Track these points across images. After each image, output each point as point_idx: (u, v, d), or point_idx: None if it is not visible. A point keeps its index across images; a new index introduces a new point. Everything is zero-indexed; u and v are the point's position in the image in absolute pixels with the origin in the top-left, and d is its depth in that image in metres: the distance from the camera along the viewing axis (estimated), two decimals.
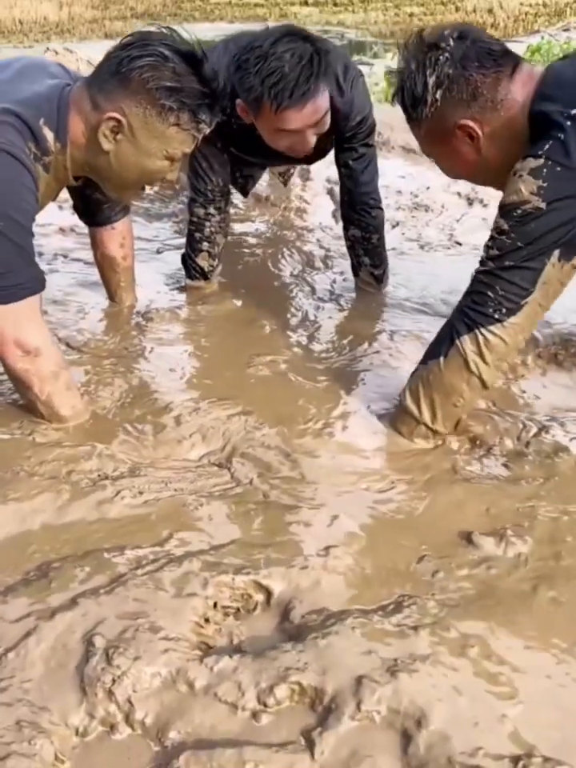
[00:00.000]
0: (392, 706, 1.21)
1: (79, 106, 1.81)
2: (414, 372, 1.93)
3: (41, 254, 2.87)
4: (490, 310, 1.75)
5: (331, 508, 1.67)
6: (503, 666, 1.29)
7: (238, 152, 2.58)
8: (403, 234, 3.19)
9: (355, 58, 7.58)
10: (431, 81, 1.71)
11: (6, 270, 1.75)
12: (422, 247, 3.07)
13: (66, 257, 2.87)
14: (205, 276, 2.68)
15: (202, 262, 2.65)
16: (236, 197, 3.48)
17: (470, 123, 1.73)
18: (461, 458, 1.88)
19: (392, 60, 6.74)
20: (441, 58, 1.70)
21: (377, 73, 5.86)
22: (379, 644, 1.32)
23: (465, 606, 1.42)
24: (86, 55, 5.83)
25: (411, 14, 10.97)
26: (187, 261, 2.69)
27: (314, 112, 2.20)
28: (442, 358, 1.83)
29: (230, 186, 2.67)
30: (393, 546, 1.59)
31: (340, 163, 2.60)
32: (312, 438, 1.92)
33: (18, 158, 1.73)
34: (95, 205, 2.30)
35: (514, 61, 1.74)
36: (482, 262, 1.78)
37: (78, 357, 2.24)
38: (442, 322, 2.42)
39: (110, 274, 2.49)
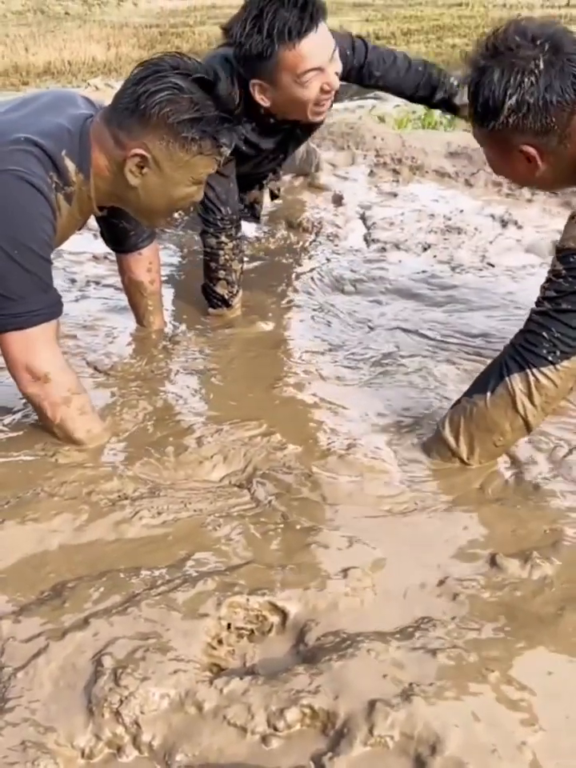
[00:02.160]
0: (406, 730, 1.17)
1: (101, 141, 1.84)
2: (456, 403, 1.89)
3: (74, 281, 2.91)
4: (544, 352, 1.72)
5: (351, 530, 1.64)
6: (524, 692, 1.24)
7: (246, 170, 2.64)
8: (435, 256, 3.16)
9: None
10: (510, 102, 1.65)
11: (20, 297, 1.77)
12: (453, 269, 3.03)
13: (98, 283, 2.90)
14: (226, 303, 2.69)
15: (221, 290, 2.66)
16: (265, 225, 3.51)
17: (533, 151, 1.70)
18: (489, 478, 1.84)
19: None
20: (526, 81, 1.63)
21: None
22: (395, 667, 1.28)
23: (486, 629, 1.38)
24: None
25: (453, 46, 10.99)
26: (207, 290, 2.70)
27: (326, 39, 2.31)
28: (488, 394, 1.79)
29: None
30: (413, 568, 1.55)
31: (371, 84, 2.76)
32: (334, 460, 1.88)
33: (36, 187, 1.75)
34: (122, 233, 2.33)
35: None
36: (538, 303, 1.75)
37: (105, 379, 2.25)
38: (472, 346, 2.43)
39: (137, 299, 2.50)
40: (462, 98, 2.66)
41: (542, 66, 1.64)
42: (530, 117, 1.66)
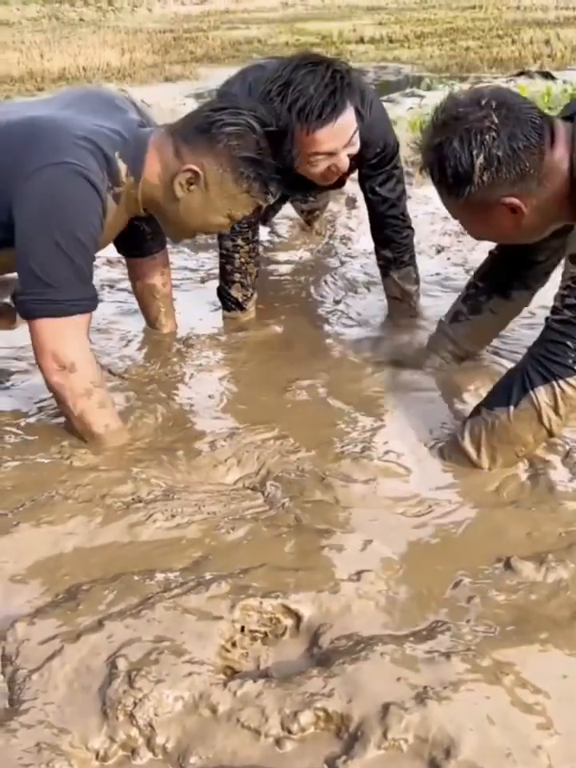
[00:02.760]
0: (420, 734, 1.16)
1: (161, 149, 1.92)
2: (474, 414, 1.88)
3: None
4: (570, 361, 1.70)
5: (365, 532, 1.64)
6: (539, 695, 1.24)
7: None
8: (448, 259, 3.16)
9: (409, 90, 7.60)
10: (479, 162, 1.63)
11: (61, 285, 1.81)
12: (467, 272, 3.02)
13: (112, 287, 2.92)
14: (240, 306, 2.69)
15: (236, 293, 2.67)
16: (279, 228, 3.51)
17: (516, 201, 1.67)
18: (504, 481, 1.83)
19: (443, 88, 6.77)
20: (487, 137, 1.63)
21: (428, 104, 5.86)
22: (409, 670, 1.27)
23: (501, 632, 1.37)
24: (138, 97, 5.97)
25: (467, 48, 10.96)
26: (222, 293, 2.71)
27: (344, 129, 2.21)
28: (511, 408, 1.77)
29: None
30: (427, 571, 1.55)
31: (366, 189, 2.60)
32: (348, 463, 1.88)
33: (91, 182, 1.81)
34: (140, 236, 2.34)
35: (549, 122, 1.69)
36: (555, 311, 1.73)
37: (119, 383, 2.26)
38: (488, 348, 2.42)
39: (149, 301, 2.52)
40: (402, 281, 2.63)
41: (496, 120, 1.63)
42: (503, 169, 1.64)
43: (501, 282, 2.22)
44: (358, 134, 2.28)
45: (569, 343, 1.70)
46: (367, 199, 2.62)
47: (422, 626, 1.40)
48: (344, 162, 2.29)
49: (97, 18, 18.39)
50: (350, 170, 2.45)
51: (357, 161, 2.45)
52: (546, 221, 1.77)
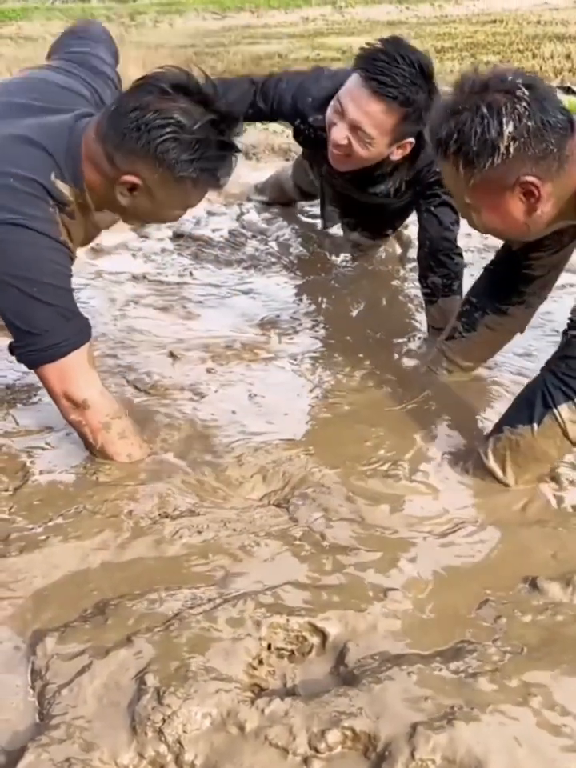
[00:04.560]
0: (447, 754, 1.17)
1: (93, 158, 1.77)
2: (497, 432, 1.86)
3: (113, 301, 2.94)
4: None
5: (391, 551, 1.64)
6: (567, 717, 1.24)
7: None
8: (472, 275, 3.14)
9: None
10: (508, 130, 1.55)
11: (45, 331, 1.79)
12: None
13: (137, 303, 2.92)
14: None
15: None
16: (307, 244, 3.53)
17: (535, 181, 1.60)
18: (530, 501, 1.83)
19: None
20: (519, 107, 1.56)
21: None
22: (436, 691, 1.28)
23: (528, 653, 1.37)
24: None
25: (487, 63, 10.96)
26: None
27: (369, 106, 2.28)
28: (534, 425, 1.77)
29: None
30: (454, 591, 1.55)
31: (421, 209, 2.62)
32: (374, 481, 1.89)
33: (37, 230, 1.74)
34: None
35: (570, 116, 1.65)
36: (573, 325, 1.72)
37: (145, 398, 2.27)
38: (514, 365, 2.42)
39: None
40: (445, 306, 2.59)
41: (527, 93, 1.58)
42: (532, 142, 1.57)
43: (496, 297, 2.19)
44: (377, 143, 2.35)
45: None
46: (421, 221, 2.64)
47: (449, 646, 1.40)
48: (340, 131, 2.36)
49: (119, 34, 18.49)
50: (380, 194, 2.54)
51: (416, 185, 2.56)
52: (557, 212, 1.69)
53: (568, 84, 8.29)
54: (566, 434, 1.75)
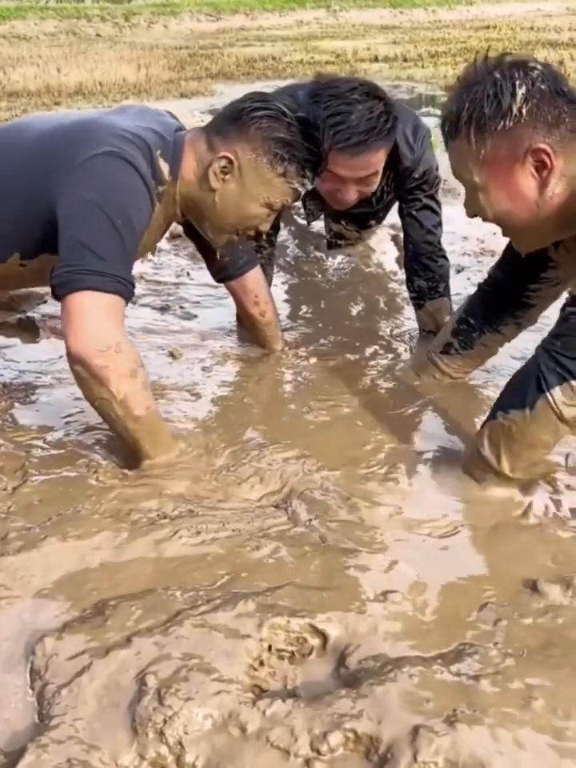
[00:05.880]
0: (450, 757, 1.16)
1: (195, 145, 1.94)
2: (491, 419, 1.83)
3: None
4: None
5: (391, 553, 1.64)
6: (570, 721, 1.23)
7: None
8: (469, 279, 3.16)
9: (424, 109, 7.65)
10: (521, 91, 1.57)
11: (111, 259, 1.74)
12: None
13: (134, 303, 2.92)
14: None
15: None
16: (305, 246, 3.53)
17: (547, 148, 1.58)
18: (530, 502, 1.83)
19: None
20: (532, 73, 1.59)
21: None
22: (438, 693, 1.27)
23: (529, 656, 1.37)
24: None
25: None
26: None
27: (363, 167, 2.27)
28: (527, 410, 1.72)
29: (281, 223, 2.76)
30: (454, 593, 1.55)
31: (404, 214, 2.62)
32: (373, 483, 1.89)
33: (140, 173, 1.82)
34: (212, 255, 2.34)
35: None
36: (573, 301, 1.68)
37: None
38: (513, 367, 2.41)
39: (253, 332, 2.55)
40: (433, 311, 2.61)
41: (540, 65, 1.62)
42: (544, 106, 1.58)
43: (493, 320, 2.23)
44: (377, 178, 2.36)
45: None
46: (404, 226, 2.64)
47: (449, 648, 1.40)
48: (349, 194, 2.35)
49: (113, 34, 18.54)
50: (362, 204, 2.51)
51: (397, 189, 2.56)
52: (565, 198, 1.64)
53: None
54: (561, 417, 1.70)
